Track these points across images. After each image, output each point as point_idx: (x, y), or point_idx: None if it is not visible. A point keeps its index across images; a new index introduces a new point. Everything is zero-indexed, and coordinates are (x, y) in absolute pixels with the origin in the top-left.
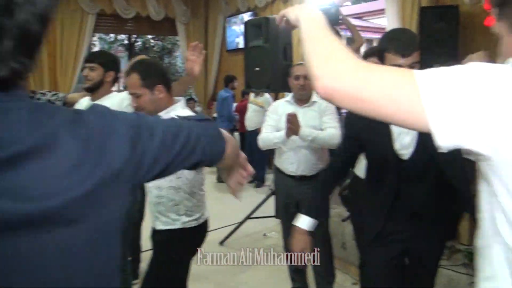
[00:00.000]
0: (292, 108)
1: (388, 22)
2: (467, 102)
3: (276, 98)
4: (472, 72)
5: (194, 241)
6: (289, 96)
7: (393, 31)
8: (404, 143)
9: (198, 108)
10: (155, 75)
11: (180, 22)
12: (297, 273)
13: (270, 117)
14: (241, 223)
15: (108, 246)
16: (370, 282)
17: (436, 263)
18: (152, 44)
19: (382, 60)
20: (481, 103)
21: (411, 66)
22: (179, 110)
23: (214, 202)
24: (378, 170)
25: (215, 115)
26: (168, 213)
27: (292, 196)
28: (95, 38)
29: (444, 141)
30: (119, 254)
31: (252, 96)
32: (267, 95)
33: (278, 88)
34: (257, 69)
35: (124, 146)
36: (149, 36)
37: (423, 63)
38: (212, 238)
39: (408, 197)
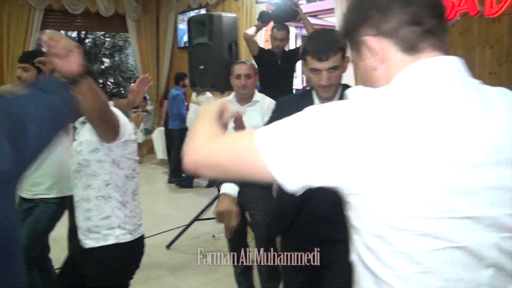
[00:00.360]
0: (235, 108)
1: (338, 21)
2: (303, 145)
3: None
4: (306, 117)
5: (132, 257)
6: (231, 95)
7: (314, 32)
8: None
9: (149, 107)
10: None
11: (130, 18)
12: (242, 276)
13: None
14: (188, 225)
15: None
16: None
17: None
18: (102, 41)
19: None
20: (318, 143)
21: (329, 70)
22: None
23: (164, 204)
24: None
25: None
26: (98, 228)
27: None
28: None
29: (291, 186)
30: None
31: (193, 95)
32: (208, 94)
33: (223, 87)
34: (202, 67)
35: (5, 145)
36: (100, 33)
37: None
38: (159, 241)
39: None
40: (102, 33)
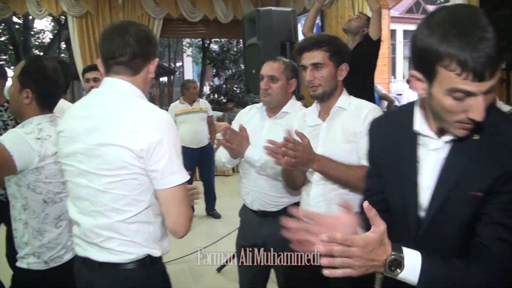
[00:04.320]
0: (258, 118)
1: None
2: None
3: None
4: None
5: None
6: (260, 104)
7: (447, 24)
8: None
9: None
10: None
11: None
12: None
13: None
14: None
15: None
16: None
17: None
18: (228, 48)
19: None
20: None
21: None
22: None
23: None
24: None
25: None
26: (19, 249)
27: (257, 236)
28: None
29: None
30: None
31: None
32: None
33: None
34: (254, 71)
35: None
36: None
37: None
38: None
39: None
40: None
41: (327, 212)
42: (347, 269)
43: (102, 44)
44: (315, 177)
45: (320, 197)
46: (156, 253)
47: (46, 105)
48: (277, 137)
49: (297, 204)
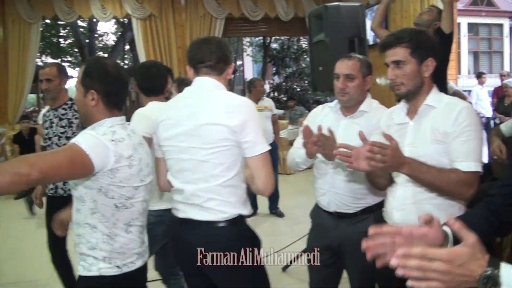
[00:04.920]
0: (332, 118)
1: None
2: None
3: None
4: None
5: None
6: (333, 102)
7: None
8: None
9: None
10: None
11: None
12: None
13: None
14: None
15: None
16: None
17: None
18: (288, 46)
19: None
20: None
21: None
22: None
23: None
24: None
25: None
26: (85, 257)
27: (332, 237)
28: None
29: None
30: None
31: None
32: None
33: None
34: (320, 68)
35: None
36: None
37: None
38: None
39: None
40: (288, 37)
41: (414, 216)
42: (432, 282)
43: (192, 52)
44: (401, 179)
45: (407, 200)
46: (245, 212)
47: (114, 104)
48: (354, 137)
49: (377, 205)
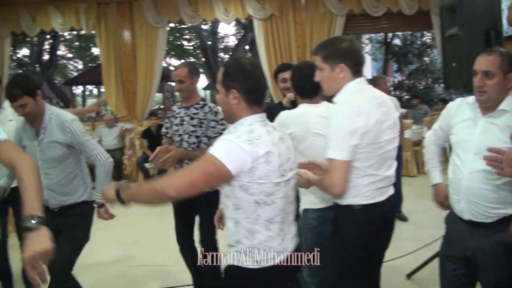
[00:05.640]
0: (469, 115)
1: None
2: None
3: None
4: None
5: (256, 284)
6: (471, 98)
7: None
8: None
9: None
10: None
11: (435, 14)
12: None
13: (440, 120)
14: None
15: None
16: None
17: None
18: (411, 41)
19: None
20: None
21: None
22: None
23: None
24: None
25: None
26: (230, 249)
27: (465, 247)
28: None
29: None
30: None
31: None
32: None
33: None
34: (454, 64)
35: None
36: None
37: None
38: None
39: None
40: (411, 32)
41: None
42: None
43: (355, 54)
44: None
45: None
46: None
47: (254, 101)
48: (493, 138)
49: None
